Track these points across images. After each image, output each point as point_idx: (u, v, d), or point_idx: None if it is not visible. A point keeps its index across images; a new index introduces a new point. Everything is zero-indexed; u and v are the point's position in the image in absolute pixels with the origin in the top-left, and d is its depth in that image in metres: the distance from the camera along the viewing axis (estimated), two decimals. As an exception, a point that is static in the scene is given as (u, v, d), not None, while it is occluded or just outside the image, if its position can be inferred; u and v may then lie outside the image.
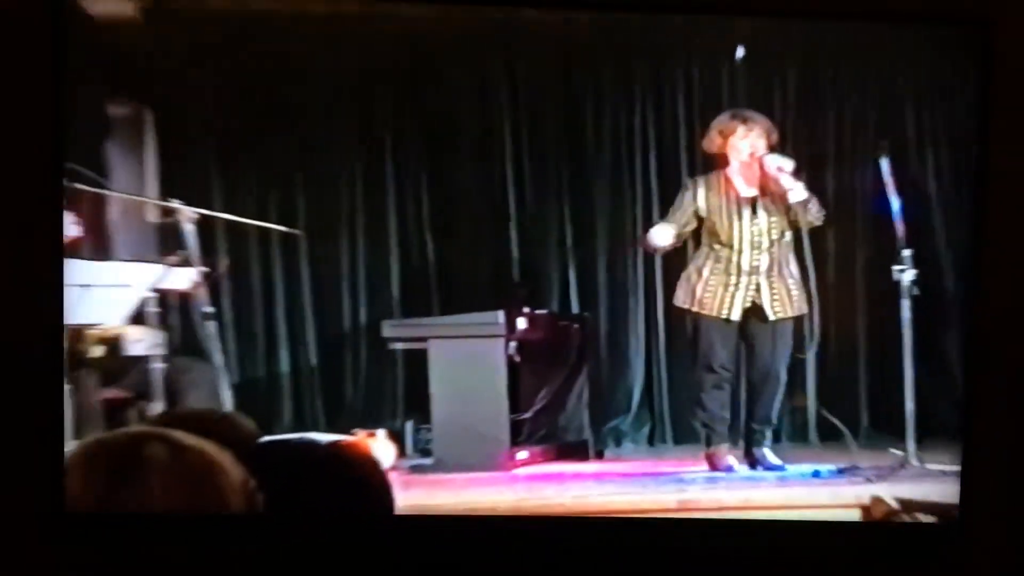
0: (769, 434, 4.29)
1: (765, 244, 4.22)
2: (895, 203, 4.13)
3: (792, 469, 4.16)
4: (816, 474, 4.03)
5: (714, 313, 4.22)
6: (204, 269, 4.04)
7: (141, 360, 3.99)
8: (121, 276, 3.94)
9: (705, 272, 4.25)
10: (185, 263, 4.01)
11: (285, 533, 2.70)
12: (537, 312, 4.67)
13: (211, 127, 4.80)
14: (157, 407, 3.82)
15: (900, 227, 4.10)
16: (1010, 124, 2.87)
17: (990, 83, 2.84)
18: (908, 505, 2.89)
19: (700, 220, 4.26)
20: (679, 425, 4.83)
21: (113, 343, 4.07)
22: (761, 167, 4.22)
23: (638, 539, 3.00)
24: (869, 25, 3.51)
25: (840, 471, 4.01)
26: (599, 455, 4.72)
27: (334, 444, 2.12)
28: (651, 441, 4.94)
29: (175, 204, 4.13)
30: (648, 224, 4.91)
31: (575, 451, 4.66)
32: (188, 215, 4.07)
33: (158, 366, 3.87)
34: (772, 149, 4.23)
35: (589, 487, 4.01)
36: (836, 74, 4.88)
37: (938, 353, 4.60)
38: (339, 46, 4.63)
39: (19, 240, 2.96)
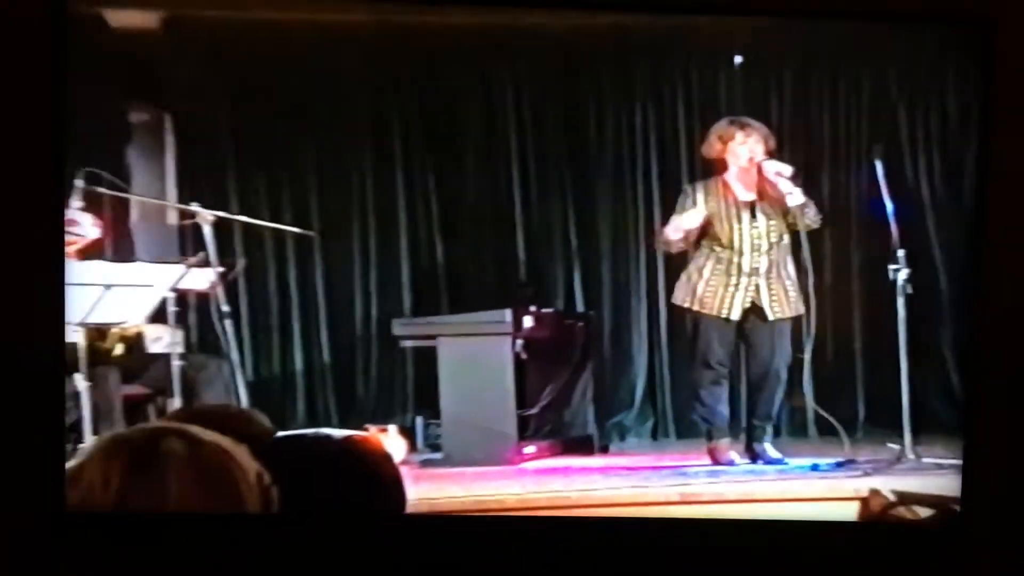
0: (770, 429, 4.28)
1: (764, 247, 4.21)
2: (889, 205, 4.11)
3: (792, 463, 4.13)
4: (815, 468, 4.01)
5: (714, 312, 4.21)
6: (221, 270, 4.03)
7: (160, 358, 3.98)
8: (142, 276, 3.93)
9: (706, 272, 4.23)
10: (203, 264, 3.99)
11: (288, 533, 2.64)
12: (543, 311, 4.65)
13: (228, 133, 4.79)
14: (175, 403, 3.81)
15: (895, 228, 4.08)
16: (1010, 124, 2.84)
17: (990, 84, 2.81)
18: (905, 498, 2.87)
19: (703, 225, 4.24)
20: (681, 420, 4.81)
21: (134, 341, 4.06)
22: (760, 172, 4.20)
23: (638, 538, 2.97)
24: (865, 27, 3.48)
25: (838, 465, 3.99)
26: (604, 449, 4.71)
27: (347, 439, 2.10)
28: (654, 436, 4.93)
29: (194, 207, 4.12)
30: (650, 225, 4.91)
31: (580, 446, 4.64)
32: (206, 217, 4.05)
33: (177, 363, 3.85)
34: (770, 155, 4.22)
35: (594, 480, 3.99)
36: (832, 77, 4.87)
37: (933, 349, 4.59)
38: (350, 53, 4.62)
39: (20, 240, 2.91)
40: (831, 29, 4.01)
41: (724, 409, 4.24)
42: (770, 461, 4.19)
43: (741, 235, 4.21)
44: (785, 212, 4.20)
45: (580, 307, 4.96)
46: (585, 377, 4.74)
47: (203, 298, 4.21)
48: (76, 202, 3.93)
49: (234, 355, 4.01)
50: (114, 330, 3.99)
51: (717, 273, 4.21)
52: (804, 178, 4.28)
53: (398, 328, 4.57)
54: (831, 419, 4.28)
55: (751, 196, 4.23)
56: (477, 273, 4.95)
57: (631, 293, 4.96)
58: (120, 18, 4.48)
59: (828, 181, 4.80)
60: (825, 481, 3.83)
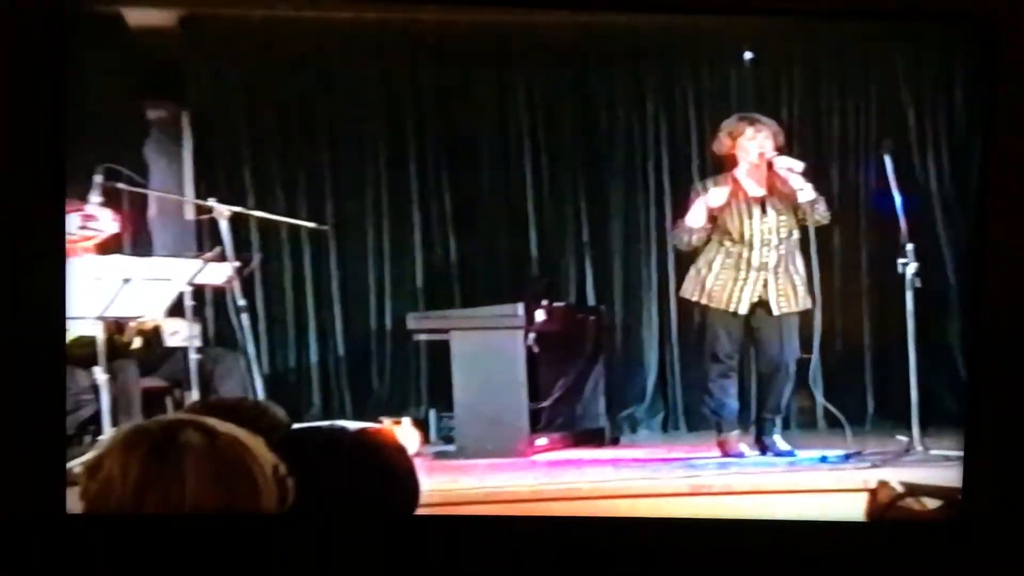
0: (779, 422, 4.26)
1: (774, 242, 4.19)
2: (898, 199, 4.10)
3: (801, 455, 4.12)
4: (824, 459, 4.00)
5: (722, 306, 4.20)
6: (237, 264, 4.03)
7: (178, 351, 3.98)
8: (159, 271, 3.93)
9: (715, 266, 4.21)
10: (220, 259, 4.00)
11: (288, 533, 2.60)
12: (555, 305, 4.64)
13: (244, 129, 4.80)
14: (193, 396, 3.81)
15: (903, 222, 4.07)
16: (1014, 120, 2.82)
17: (994, 81, 2.79)
18: (913, 489, 2.85)
19: (713, 220, 4.23)
20: (692, 413, 4.81)
21: (151, 335, 4.07)
22: (771, 168, 4.18)
23: (643, 537, 2.95)
24: (873, 26, 3.46)
25: (847, 457, 3.98)
26: (615, 441, 4.70)
27: (362, 431, 2.10)
28: (665, 428, 4.93)
29: (210, 202, 4.12)
30: (660, 221, 4.91)
31: (592, 438, 4.64)
32: (223, 213, 4.06)
33: (194, 357, 3.86)
34: (780, 150, 4.20)
35: (606, 472, 3.99)
36: (841, 75, 4.86)
37: (941, 343, 4.57)
38: (365, 52, 4.62)
39: (21, 240, 2.88)
40: (840, 27, 4.00)
41: (733, 402, 4.23)
42: (779, 453, 4.17)
43: (752, 230, 4.19)
44: (795, 207, 4.19)
45: (592, 301, 4.95)
46: (597, 370, 4.73)
47: (220, 292, 4.22)
48: (95, 197, 3.94)
49: (250, 348, 4.01)
50: (132, 324, 3.99)
51: (727, 267, 4.20)
52: (814, 174, 4.26)
53: (412, 322, 4.57)
54: (838, 414, 4.27)
55: (762, 192, 4.22)
56: (490, 268, 4.95)
57: (642, 288, 4.96)
58: (139, 17, 4.49)
59: (837, 176, 4.79)
60: (834, 473, 3.82)
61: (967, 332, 4.18)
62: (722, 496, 3.61)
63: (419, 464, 2.10)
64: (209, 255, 4.00)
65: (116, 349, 3.85)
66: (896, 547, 2.85)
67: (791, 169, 4.16)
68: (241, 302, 4.02)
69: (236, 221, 4.13)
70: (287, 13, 4.43)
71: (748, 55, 4.73)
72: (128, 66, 4.54)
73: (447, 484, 3.63)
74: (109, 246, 4.04)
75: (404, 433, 4.14)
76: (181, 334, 3.99)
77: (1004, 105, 2.85)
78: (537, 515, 3.37)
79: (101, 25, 4.35)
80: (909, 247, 4.04)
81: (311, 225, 4.58)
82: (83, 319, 3.77)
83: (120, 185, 4.02)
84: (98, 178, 3.93)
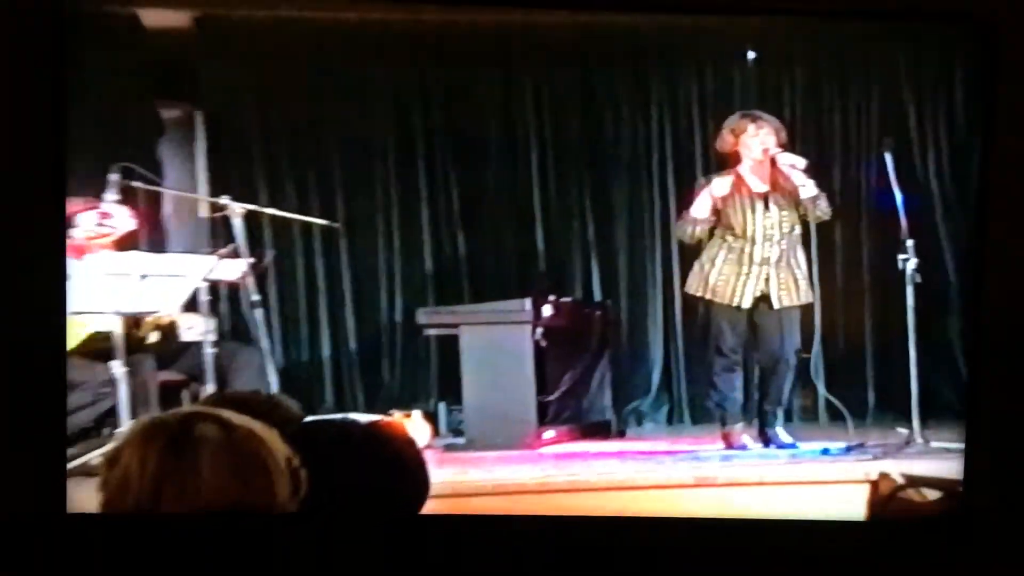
0: (781, 414, 4.26)
1: (776, 237, 4.19)
2: (899, 196, 4.09)
3: (803, 447, 4.12)
4: (826, 452, 4.00)
5: (726, 301, 4.20)
6: (251, 260, 4.04)
7: (194, 345, 3.99)
8: (175, 267, 3.94)
9: (718, 262, 4.21)
10: (234, 255, 4.00)
11: (287, 533, 2.57)
12: (562, 300, 4.64)
13: (257, 129, 4.81)
14: (208, 389, 3.82)
15: (904, 219, 4.07)
16: (1014, 119, 2.81)
17: (994, 81, 2.79)
18: (913, 480, 2.86)
19: (716, 214, 4.23)
20: (696, 406, 4.81)
21: (168, 330, 4.08)
22: (774, 164, 4.18)
23: (642, 536, 2.93)
24: (875, 25, 3.45)
25: (848, 449, 3.98)
26: (621, 434, 4.71)
27: (374, 424, 2.11)
28: (670, 421, 4.93)
29: (224, 200, 4.13)
30: (665, 217, 4.91)
31: (598, 430, 4.64)
32: (236, 210, 4.07)
33: (209, 351, 3.87)
34: (782, 147, 4.20)
35: (612, 464, 3.99)
36: (843, 74, 4.85)
37: (941, 337, 4.57)
38: (375, 52, 4.63)
39: (22, 239, 2.85)
40: (841, 27, 3.99)
41: (737, 395, 4.23)
42: (782, 445, 4.17)
43: (754, 225, 4.19)
44: (797, 203, 4.19)
45: (598, 297, 4.96)
46: (603, 364, 4.73)
47: (234, 288, 4.23)
48: (111, 195, 3.95)
49: (264, 343, 4.02)
50: (149, 319, 4.00)
51: (729, 262, 4.20)
52: (815, 171, 4.26)
53: (422, 317, 4.57)
54: (840, 405, 4.26)
55: (765, 188, 4.22)
56: (498, 264, 4.95)
57: (647, 283, 4.96)
58: (153, 18, 4.50)
59: (839, 174, 4.79)
60: (836, 465, 3.82)
61: (967, 327, 4.17)
62: (726, 488, 3.61)
63: (429, 456, 2.11)
64: (223, 252, 4.01)
65: (134, 343, 3.86)
66: (897, 544, 2.84)
67: (794, 165, 4.16)
68: (255, 298, 4.03)
69: (249, 219, 4.14)
70: (298, 15, 4.43)
71: (751, 55, 4.73)
72: (143, 67, 4.55)
73: (457, 476, 3.63)
74: (126, 243, 4.05)
75: (414, 426, 4.14)
76: (197, 329, 3.99)
77: (1004, 104, 2.84)
78: (538, 514, 3.32)
79: (116, 26, 4.37)
80: (909, 243, 4.04)
81: (323, 222, 4.59)
82: (101, 314, 3.79)
83: (136, 183, 4.03)
84: (114, 176, 3.94)
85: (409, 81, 4.86)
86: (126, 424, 3.60)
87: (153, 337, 4.05)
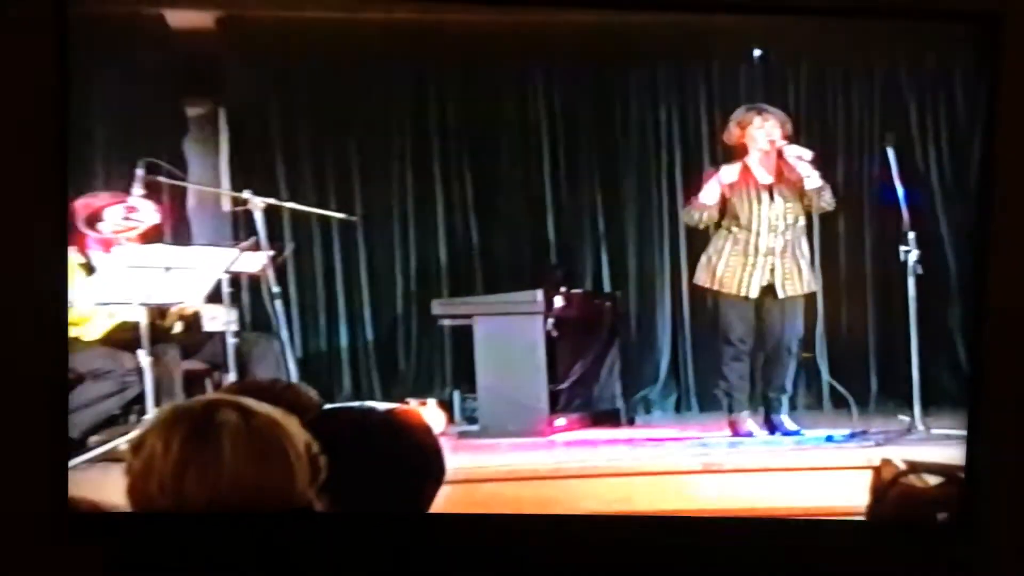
0: (785, 401, 4.25)
1: (781, 227, 4.18)
2: (901, 190, 4.08)
3: (807, 434, 4.11)
4: (830, 439, 3.99)
5: (733, 291, 4.19)
6: (271, 253, 4.04)
7: (216, 335, 4.00)
8: (198, 259, 3.95)
9: (724, 253, 4.20)
10: (255, 248, 4.01)
11: (286, 533, 2.52)
12: (572, 291, 4.64)
13: (277, 125, 4.81)
14: (230, 377, 3.83)
15: (905, 212, 4.05)
16: (1015, 114, 2.79)
17: (997, 75, 2.76)
18: (915, 466, 2.84)
19: (723, 204, 4.21)
20: (703, 394, 4.80)
21: (191, 320, 4.08)
22: (780, 156, 4.17)
23: (643, 536, 2.90)
24: (877, 22, 3.42)
25: (852, 435, 3.97)
26: (630, 422, 4.70)
27: (390, 411, 2.11)
28: (678, 409, 4.92)
29: (246, 194, 4.13)
30: (673, 211, 4.90)
31: (608, 418, 4.63)
32: (257, 204, 4.07)
33: (231, 341, 3.87)
34: (788, 139, 4.18)
35: (621, 451, 3.99)
36: (847, 70, 4.83)
37: (941, 326, 4.55)
38: (391, 50, 4.62)
39: (24, 238, 2.79)
40: (845, 24, 3.96)
41: (745, 384, 4.22)
42: (787, 432, 4.17)
43: (760, 216, 4.18)
44: (802, 195, 4.17)
45: (607, 288, 4.95)
46: (612, 353, 4.73)
47: (255, 280, 4.23)
48: (137, 190, 3.95)
49: (284, 333, 4.02)
50: (173, 310, 4.01)
51: (735, 254, 4.19)
52: (820, 165, 4.24)
53: (436, 308, 4.57)
54: (844, 392, 4.25)
55: (770, 179, 4.21)
56: (510, 256, 4.94)
57: (655, 274, 4.95)
58: (178, 18, 4.50)
59: (843, 167, 4.77)
60: (839, 451, 3.81)
61: (967, 316, 4.15)
62: (732, 474, 3.60)
63: (444, 443, 2.10)
64: (244, 244, 4.01)
65: (159, 333, 3.87)
66: (898, 541, 2.81)
67: (800, 157, 4.15)
68: (275, 289, 4.03)
69: (270, 212, 4.14)
70: (318, 14, 4.43)
71: (757, 52, 4.71)
72: (168, 65, 4.55)
73: (471, 462, 3.63)
74: (151, 236, 4.05)
75: (430, 413, 4.14)
76: (219, 319, 4.00)
77: (1005, 99, 2.82)
78: (540, 513, 3.29)
79: (143, 27, 4.37)
80: (911, 235, 4.02)
81: (341, 216, 4.58)
82: (127, 305, 3.80)
83: (161, 178, 4.03)
84: (140, 171, 3.94)
85: (425, 79, 4.85)
86: (152, 411, 3.61)
87: (177, 327, 4.06)
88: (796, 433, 4.15)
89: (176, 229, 4.36)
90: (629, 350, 4.84)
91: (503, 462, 3.74)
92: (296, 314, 4.72)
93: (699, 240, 4.43)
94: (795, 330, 4.21)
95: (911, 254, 4.01)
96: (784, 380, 4.23)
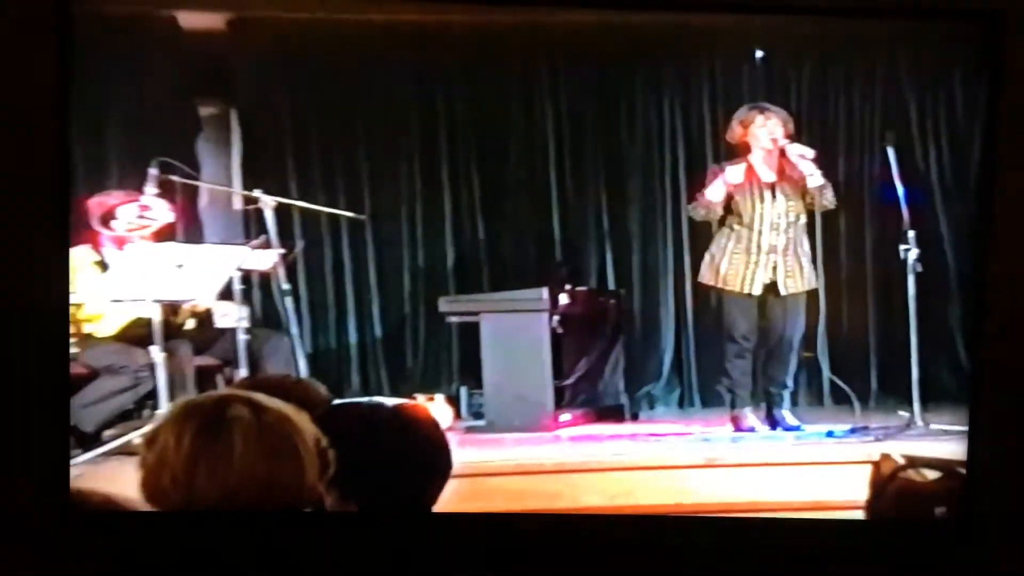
0: (787, 396, 4.25)
1: (783, 225, 4.17)
2: (901, 189, 4.07)
3: (808, 429, 4.10)
4: (830, 434, 3.98)
5: (736, 288, 4.18)
6: (282, 251, 4.04)
7: (228, 332, 4.00)
8: (210, 257, 3.95)
9: (728, 251, 4.20)
10: (265, 246, 4.01)
11: (286, 532, 2.44)
12: (577, 289, 4.64)
13: (288, 125, 4.82)
14: (241, 373, 3.83)
15: (905, 211, 4.04)
16: (1014, 113, 2.78)
17: (996, 74, 2.75)
18: (913, 461, 2.83)
19: (730, 196, 4.20)
20: (706, 390, 4.80)
21: (204, 317, 4.09)
22: (783, 154, 4.16)
23: (643, 536, 2.88)
24: (878, 22, 3.42)
25: (852, 431, 3.97)
26: (634, 417, 4.70)
27: (399, 407, 2.11)
28: (681, 404, 4.92)
29: (256, 193, 4.13)
30: (676, 210, 4.89)
31: (612, 414, 4.63)
32: (268, 203, 4.07)
33: (242, 337, 3.87)
34: (790, 138, 4.18)
35: (625, 445, 3.99)
36: (848, 70, 4.82)
37: (941, 324, 4.54)
38: (399, 51, 4.62)
39: (26, 238, 2.71)
40: (846, 24, 3.96)
41: (747, 380, 4.22)
42: (788, 428, 4.16)
43: (762, 214, 4.17)
44: (804, 193, 4.17)
45: (612, 285, 4.95)
46: (616, 350, 4.73)
47: (266, 277, 4.24)
48: (151, 189, 3.96)
49: (294, 329, 4.03)
50: (186, 306, 4.02)
51: (738, 251, 4.18)
52: (821, 164, 4.23)
53: (443, 305, 4.57)
54: (845, 387, 4.25)
55: (773, 178, 4.20)
56: (516, 254, 4.94)
57: (659, 272, 4.95)
58: (190, 21, 4.51)
59: (844, 167, 4.76)
60: (839, 446, 3.80)
61: (966, 314, 4.15)
62: (734, 468, 3.60)
63: (451, 438, 2.11)
64: (255, 243, 4.02)
65: (171, 330, 3.87)
66: (897, 538, 2.80)
67: (803, 156, 4.15)
68: (285, 286, 4.03)
69: (280, 211, 4.14)
70: (327, 17, 4.43)
71: (759, 53, 4.71)
72: (181, 67, 4.56)
73: (477, 456, 3.63)
74: (164, 234, 4.06)
75: (437, 409, 4.14)
76: (231, 316, 4.01)
77: (1005, 97, 2.80)
78: (539, 512, 3.28)
79: (156, 30, 4.38)
80: (911, 234, 4.02)
81: (350, 215, 4.59)
82: (141, 302, 3.80)
83: (174, 177, 4.04)
84: (153, 171, 3.95)
85: (432, 81, 4.85)
86: (165, 406, 3.61)
87: (190, 324, 4.06)
88: (797, 428, 4.14)
89: (188, 227, 4.36)
90: (633, 347, 4.85)
91: (509, 456, 3.74)
92: (306, 311, 4.73)
93: (702, 238, 4.43)
94: (797, 327, 4.21)
95: (911, 252, 4.00)
96: (786, 376, 4.23)
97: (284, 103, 4.80)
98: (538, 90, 4.94)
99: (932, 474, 2.76)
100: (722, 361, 4.25)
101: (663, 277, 4.94)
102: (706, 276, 4.27)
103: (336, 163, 4.84)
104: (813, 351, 4.34)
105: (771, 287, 4.17)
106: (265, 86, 4.78)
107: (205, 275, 3.87)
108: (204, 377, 3.98)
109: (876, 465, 2.73)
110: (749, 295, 4.17)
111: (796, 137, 4.22)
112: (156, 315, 3.74)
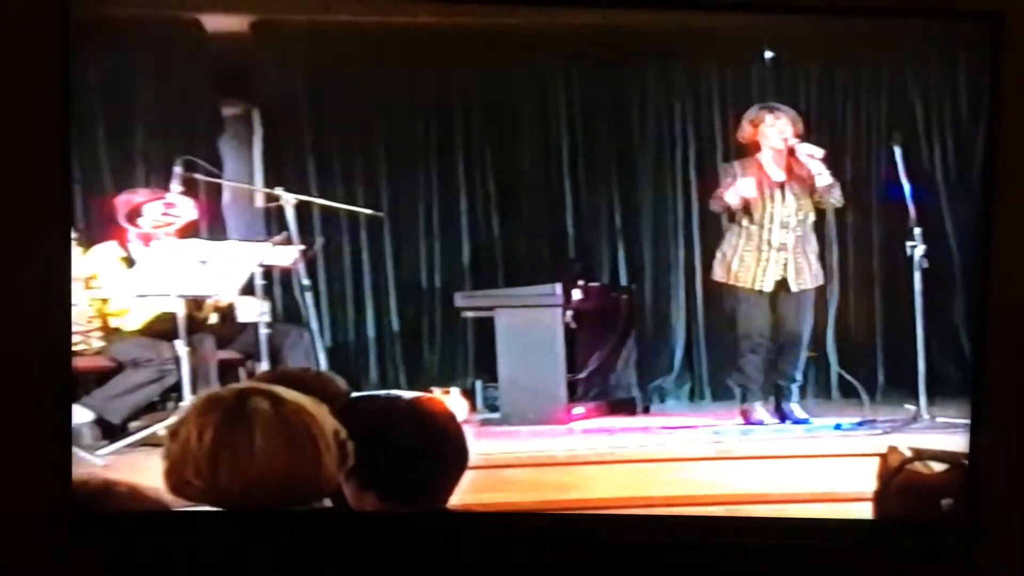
0: (796, 390, 4.24)
1: (792, 224, 4.17)
2: (907, 186, 4.05)
3: (817, 422, 4.09)
4: (838, 427, 3.97)
5: (748, 285, 4.17)
6: (302, 247, 4.05)
7: (250, 326, 4.01)
8: (233, 254, 3.96)
9: (739, 249, 4.20)
10: (286, 242, 4.02)
11: (286, 531, 2.45)
12: (590, 284, 4.62)
13: (308, 125, 4.81)
14: (263, 367, 3.84)
15: (912, 208, 4.02)
16: (1017, 112, 2.76)
17: (999, 74, 2.73)
18: (920, 453, 2.82)
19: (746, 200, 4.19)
20: (716, 383, 4.78)
21: (226, 311, 4.10)
22: (793, 153, 4.16)
23: (648, 535, 2.87)
24: (884, 23, 3.39)
25: (859, 424, 3.95)
26: (645, 410, 4.69)
27: (416, 399, 2.11)
28: (691, 397, 4.90)
29: (278, 191, 4.14)
30: (688, 207, 4.87)
31: (624, 407, 4.62)
32: (289, 200, 4.08)
33: (264, 331, 3.88)
34: (799, 137, 4.16)
35: (637, 438, 3.98)
36: (855, 70, 4.79)
37: (946, 319, 4.51)
38: (416, 52, 4.61)
39: (27, 237, 2.74)
40: (853, 25, 3.94)
41: (760, 375, 4.22)
42: (797, 421, 4.15)
43: (772, 213, 4.17)
44: (812, 192, 4.16)
45: (624, 281, 4.93)
46: (629, 344, 4.72)
47: (286, 273, 4.24)
48: (175, 187, 3.97)
49: (314, 324, 4.03)
50: (209, 301, 4.03)
51: (749, 249, 4.18)
52: (829, 162, 4.22)
53: (459, 300, 4.57)
54: (854, 381, 4.23)
55: (783, 177, 4.19)
56: (531, 250, 4.93)
57: (670, 268, 4.93)
58: (214, 23, 4.51)
59: (851, 165, 4.74)
60: (847, 439, 3.79)
61: (971, 309, 4.12)
62: (744, 460, 3.59)
63: (467, 430, 2.10)
64: (277, 239, 4.02)
65: (195, 324, 3.89)
66: (903, 532, 2.78)
67: (812, 155, 4.15)
68: (306, 282, 4.04)
69: (301, 208, 4.15)
70: (347, 18, 4.43)
71: (768, 54, 4.69)
72: (205, 68, 4.56)
73: (492, 448, 3.63)
74: (188, 231, 4.07)
75: (453, 402, 4.14)
76: (253, 311, 4.01)
77: (1007, 96, 2.79)
78: (539, 513, 3.26)
79: (180, 32, 4.38)
80: (917, 231, 4.00)
81: (368, 211, 4.59)
82: (165, 297, 3.81)
83: (197, 175, 4.05)
84: (178, 169, 3.96)
85: (448, 81, 4.84)
86: (188, 399, 3.62)
87: (213, 318, 4.07)
88: (805, 421, 4.13)
89: (212, 224, 4.37)
90: (645, 341, 4.83)
91: (523, 448, 3.74)
92: (325, 306, 4.73)
93: (712, 235, 4.42)
94: (806, 322, 4.20)
95: (917, 249, 3.99)
96: (795, 370, 4.22)
97: (304, 104, 4.79)
98: (551, 91, 4.92)
99: (938, 466, 2.75)
100: (734, 356, 4.24)
101: (674, 273, 4.92)
102: (718, 274, 4.26)
103: (355, 162, 4.84)
104: (819, 349, 4.32)
105: (782, 284, 4.17)
106: (286, 87, 4.77)
107: (228, 271, 3.88)
108: (227, 370, 3.99)
109: (883, 457, 2.73)
110: (760, 292, 4.16)
111: (805, 136, 4.21)
112: (180, 310, 3.76)
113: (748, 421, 4.16)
